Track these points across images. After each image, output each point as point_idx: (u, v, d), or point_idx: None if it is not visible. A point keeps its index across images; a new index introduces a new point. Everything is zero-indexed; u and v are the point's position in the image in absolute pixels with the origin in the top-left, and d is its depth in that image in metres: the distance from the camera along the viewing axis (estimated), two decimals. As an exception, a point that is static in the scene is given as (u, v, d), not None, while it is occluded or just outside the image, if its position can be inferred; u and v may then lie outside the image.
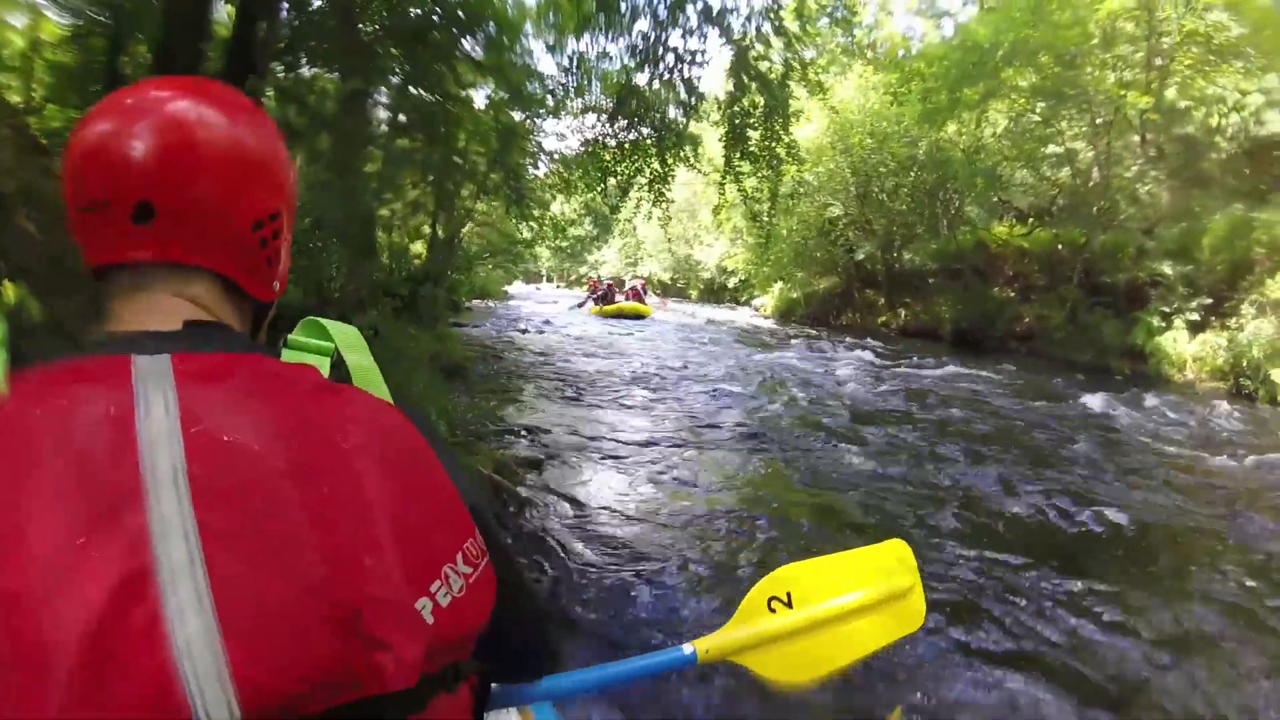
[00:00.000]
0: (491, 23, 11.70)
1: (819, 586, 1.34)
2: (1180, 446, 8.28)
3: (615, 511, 5.04)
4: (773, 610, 1.28)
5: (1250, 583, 4.43)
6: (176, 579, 0.54)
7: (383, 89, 10.69)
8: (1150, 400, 11.30)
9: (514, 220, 17.80)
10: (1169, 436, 8.88)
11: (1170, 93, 18.22)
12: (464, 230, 16.71)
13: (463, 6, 10.37)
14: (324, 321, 0.80)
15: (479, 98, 14.25)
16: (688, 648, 1.26)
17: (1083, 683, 3.30)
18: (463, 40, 11.13)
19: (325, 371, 0.74)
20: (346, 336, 0.80)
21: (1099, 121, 18.59)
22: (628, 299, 25.15)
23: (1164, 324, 15.63)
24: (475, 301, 22.38)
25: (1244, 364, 13.68)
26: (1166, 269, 16.11)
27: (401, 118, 11.44)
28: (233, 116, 0.79)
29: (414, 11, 9.62)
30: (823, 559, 1.38)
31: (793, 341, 17.89)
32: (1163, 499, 6.16)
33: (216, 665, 0.53)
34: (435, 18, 9.90)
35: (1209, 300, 15.37)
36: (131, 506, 0.56)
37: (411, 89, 10.97)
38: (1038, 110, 19.36)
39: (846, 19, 14.45)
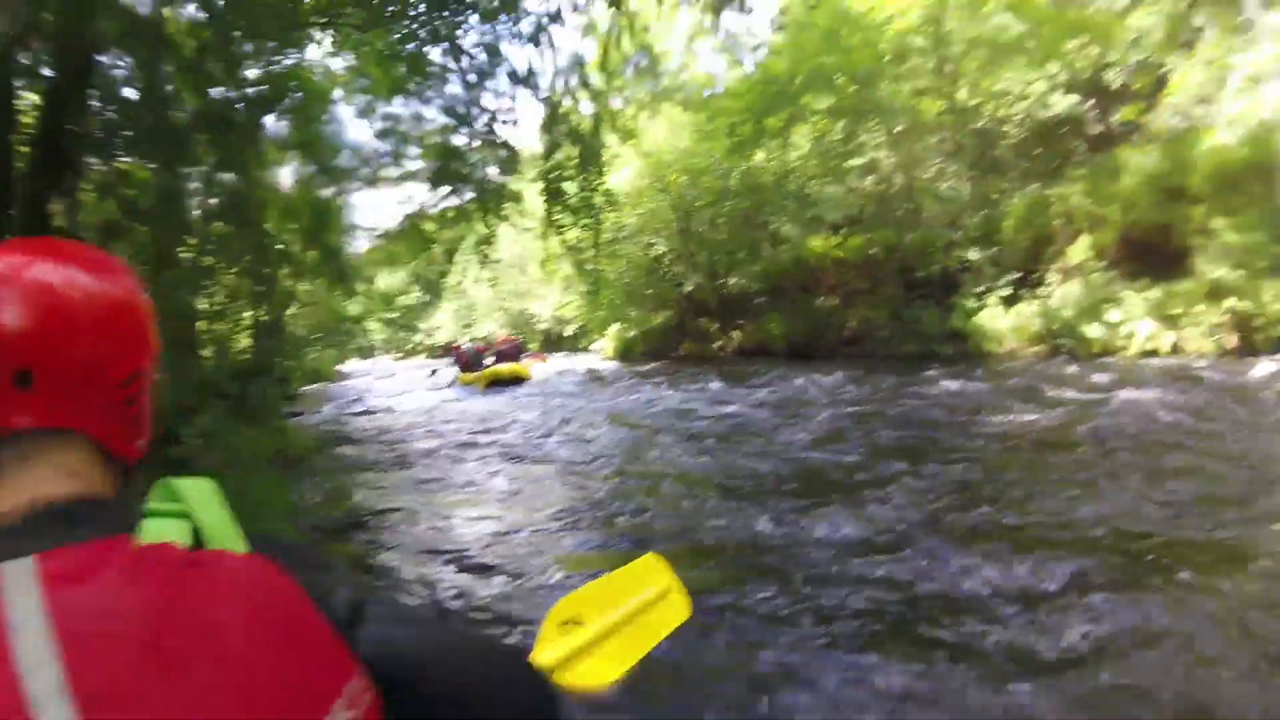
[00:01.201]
0: (300, 93, 11.59)
1: (600, 603, 1.50)
2: (1008, 413, 8.95)
3: (477, 574, 4.99)
4: (567, 631, 1.42)
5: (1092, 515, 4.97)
6: None
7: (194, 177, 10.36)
8: (976, 374, 12.26)
9: (340, 297, 17.40)
10: (998, 403, 9.60)
11: (961, 94, 19.63)
12: (289, 313, 16.17)
13: (267, 80, 10.24)
14: (175, 482, 0.77)
15: (286, 176, 14.05)
16: None
17: (948, 645, 3.46)
18: (267, 119, 11.00)
19: (188, 536, 0.72)
20: (198, 493, 0.77)
21: (897, 130, 19.80)
22: (499, 361, 21.62)
23: (979, 304, 16.73)
24: (310, 386, 21.35)
25: (1057, 326, 14.73)
26: (974, 255, 17.34)
27: (213, 202, 11.08)
28: (98, 275, 0.78)
29: (218, 93, 9.39)
30: (595, 582, 1.50)
31: (632, 380, 17.75)
32: (997, 456, 6.96)
33: None
34: (242, 98, 9.73)
35: (1017, 275, 16.55)
36: None
37: (220, 174, 10.67)
38: (839, 129, 20.43)
39: (650, 68, 15.06)
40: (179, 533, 0.71)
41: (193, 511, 0.74)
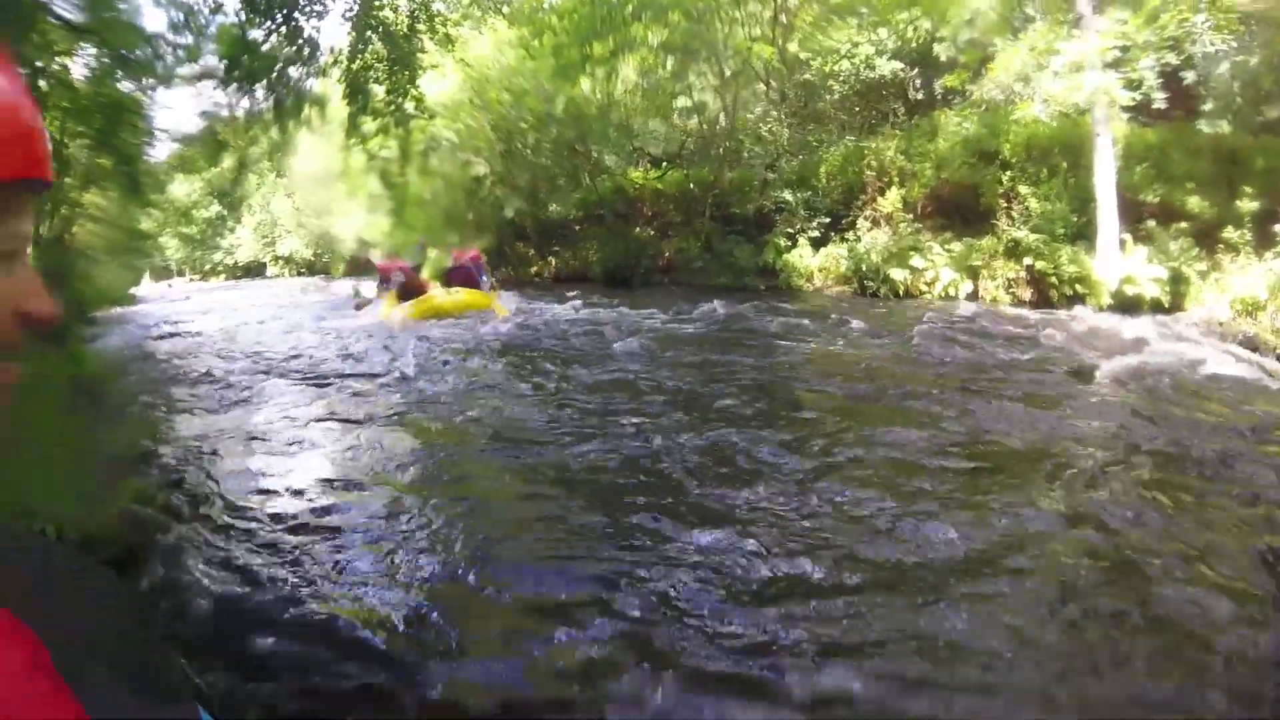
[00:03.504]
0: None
1: None
2: (820, 340, 9.66)
3: (280, 517, 4.33)
4: None
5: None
6: None
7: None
8: (787, 305, 12.70)
9: (133, 211, 15.08)
10: (812, 332, 10.26)
11: (793, 46, 19.72)
12: (74, 229, 13.86)
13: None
14: None
15: (78, 69, 11.98)
16: None
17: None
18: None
19: None
20: None
21: (727, 74, 19.75)
22: (449, 284, 14.99)
23: (790, 244, 17.11)
24: (104, 311, 18.09)
25: (863, 268, 15.25)
26: (789, 196, 17.64)
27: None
28: None
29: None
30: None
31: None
32: (812, 381, 7.24)
33: None
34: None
35: (828, 219, 17.13)
36: None
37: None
38: (668, 65, 20.11)
39: None
40: None
41: None
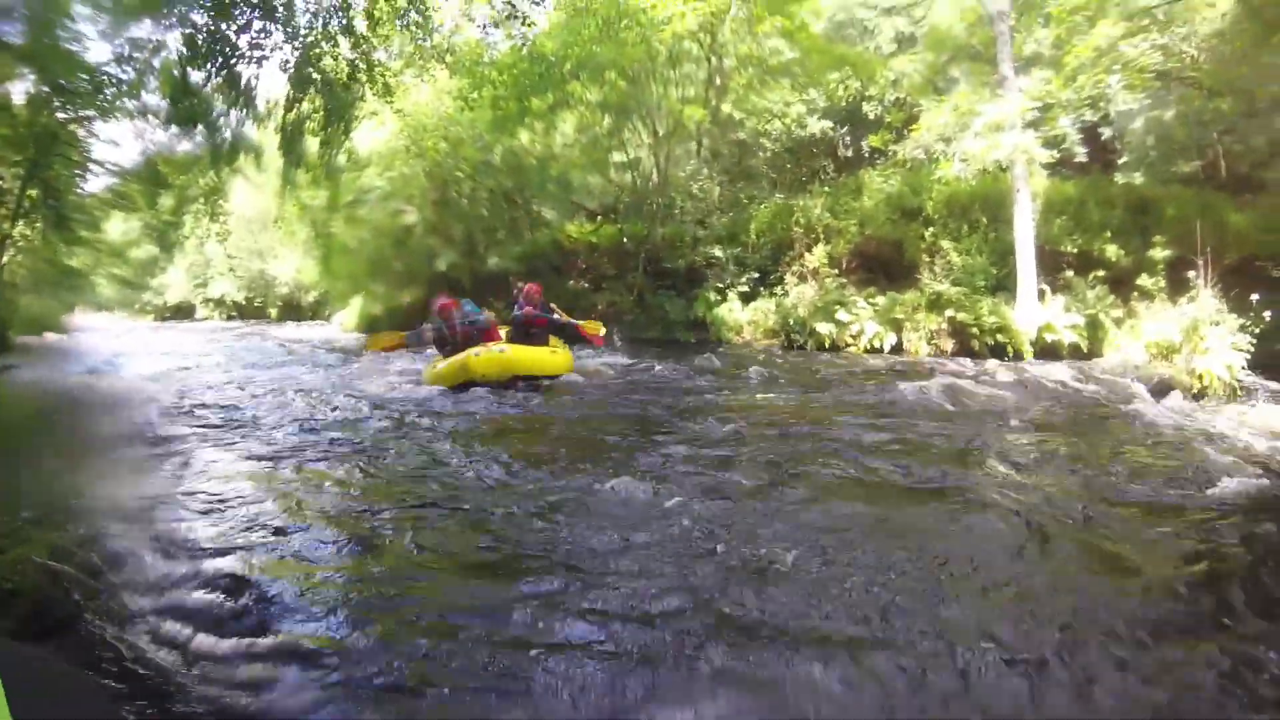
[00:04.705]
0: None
1: None
2: (744, 392, 9.37)
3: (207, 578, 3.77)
4: None
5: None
6: None
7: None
8: (716, 360, 12.42)
9: (59, 246, 14.40)
10: (736, 384, 10.07)
11: (727, 106, 20.18)
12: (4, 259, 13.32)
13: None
14: None
15: (17, 93, 11.67)
16: None
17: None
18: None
19: None
20: None
21: (661, 133, 19.95)
22: (525, 330, 10.67)
23: (720, 298, 17.14)
24: (34, 338, 16.87)
25: (790, 322, 15.30)
26: (719, 252, 17.78)
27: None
28: None
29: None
30: None
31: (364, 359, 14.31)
32: (723, 430, 6.74)
33: None
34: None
35: (757, 274, 17.23)
36: None
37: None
38: (605, 122, 20.26)
39: (422, 23, 13.97)
40: None
41: None
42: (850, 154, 20.47)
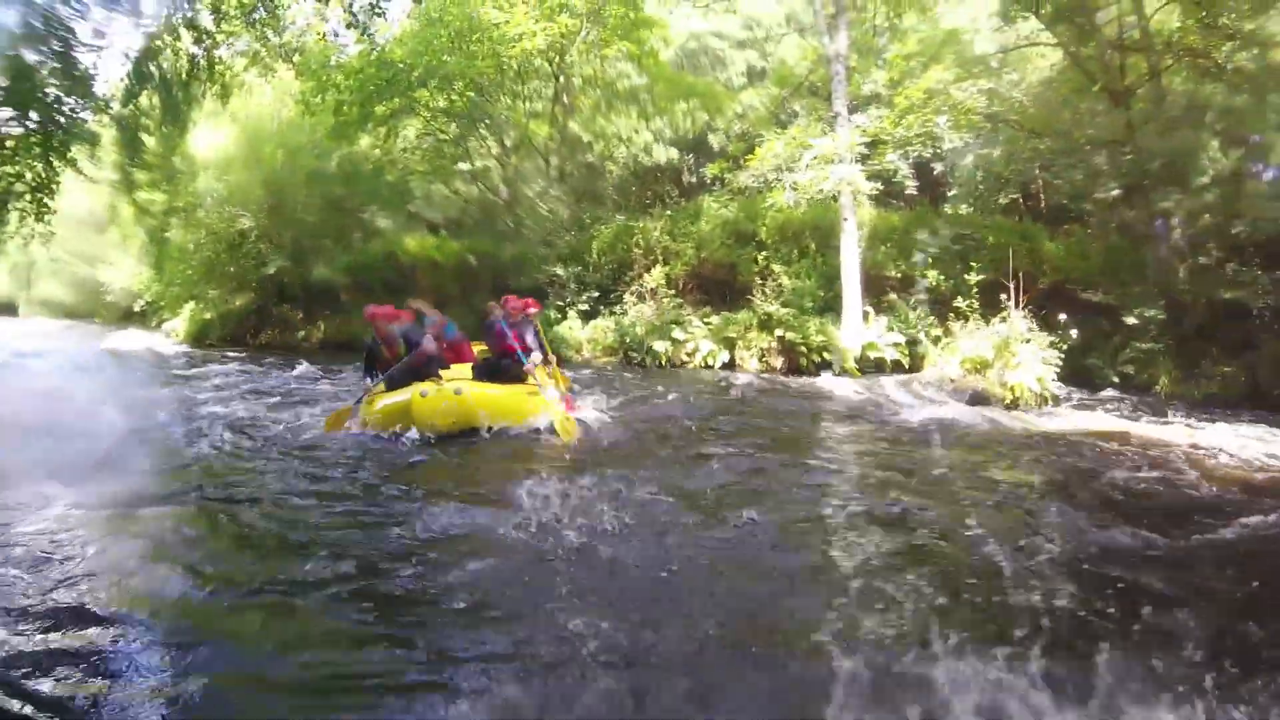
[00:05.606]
0: None
1: None
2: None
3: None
4: None
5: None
6: None
7: None
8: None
9: None
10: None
11: (575, 125, 20.40)
12: None
13: None
14: None
15: None
16: None
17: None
18: None
19: None
20: None
21: (508, 145, 19.86)
22: (515, 357, 7.84)
23: (561, 316, 17.06)
24: None
25: (629, 340, 15.40)
26: (561, 270, 17.74)
27: None
28: None
29: None
30: None
31: (206, 368, 13.70)
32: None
33: None
34: None
35: (598, 293, 17.31)
36: None
37: None
38: (451, 130, 20.01)
39: (269, 20, 13.41)
40: None
41: None
42: (694, 180, 20.92)
